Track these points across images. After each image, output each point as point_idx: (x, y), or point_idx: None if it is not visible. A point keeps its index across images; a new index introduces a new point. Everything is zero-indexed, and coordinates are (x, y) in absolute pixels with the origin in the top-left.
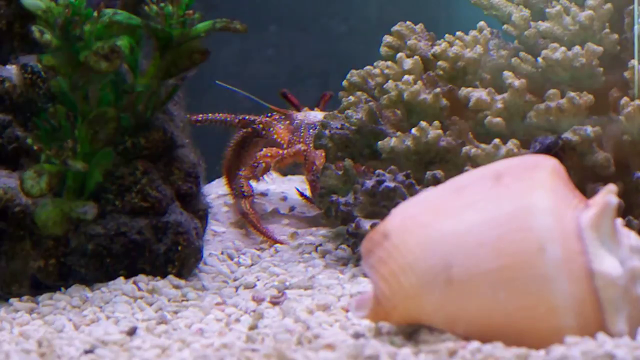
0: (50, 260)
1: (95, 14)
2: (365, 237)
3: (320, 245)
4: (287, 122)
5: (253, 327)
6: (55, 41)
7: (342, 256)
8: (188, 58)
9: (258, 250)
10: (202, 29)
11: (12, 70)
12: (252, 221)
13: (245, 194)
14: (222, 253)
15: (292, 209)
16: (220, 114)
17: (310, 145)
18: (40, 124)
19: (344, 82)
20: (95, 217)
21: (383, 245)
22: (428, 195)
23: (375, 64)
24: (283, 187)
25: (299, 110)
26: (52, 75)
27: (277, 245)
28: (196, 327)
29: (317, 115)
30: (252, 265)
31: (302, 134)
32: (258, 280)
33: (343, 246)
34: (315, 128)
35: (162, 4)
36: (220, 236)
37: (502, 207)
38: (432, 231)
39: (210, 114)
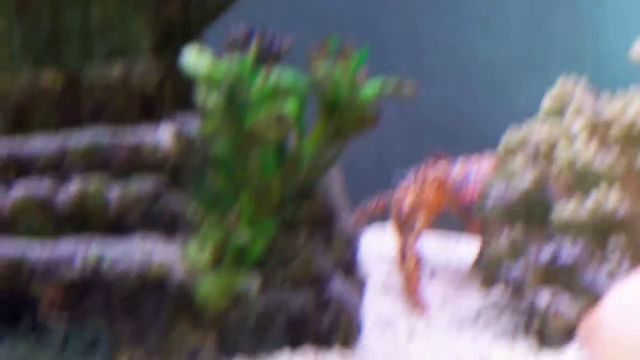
0: (209, 335)
1: (260, 79)
2: (580, 324)
3: (480, 315)
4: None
5: None
6: (218, 107)
7: (508, 328)
8: (356, 124)
9: (412, 319)
10: (370, 94)
11: (166, 132)
12: (412, 279)
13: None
14: (375, 323)
15: (432, 273)
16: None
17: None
18: (201, 191)
19: (503, 143)
20: None
21: (596, 335)
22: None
23: (536, 121)
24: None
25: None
26: (212, 141)
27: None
28: None
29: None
30: (410, 335)
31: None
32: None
33: (507, 317)
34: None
35: (328, 66)
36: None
37: None
38: None
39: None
